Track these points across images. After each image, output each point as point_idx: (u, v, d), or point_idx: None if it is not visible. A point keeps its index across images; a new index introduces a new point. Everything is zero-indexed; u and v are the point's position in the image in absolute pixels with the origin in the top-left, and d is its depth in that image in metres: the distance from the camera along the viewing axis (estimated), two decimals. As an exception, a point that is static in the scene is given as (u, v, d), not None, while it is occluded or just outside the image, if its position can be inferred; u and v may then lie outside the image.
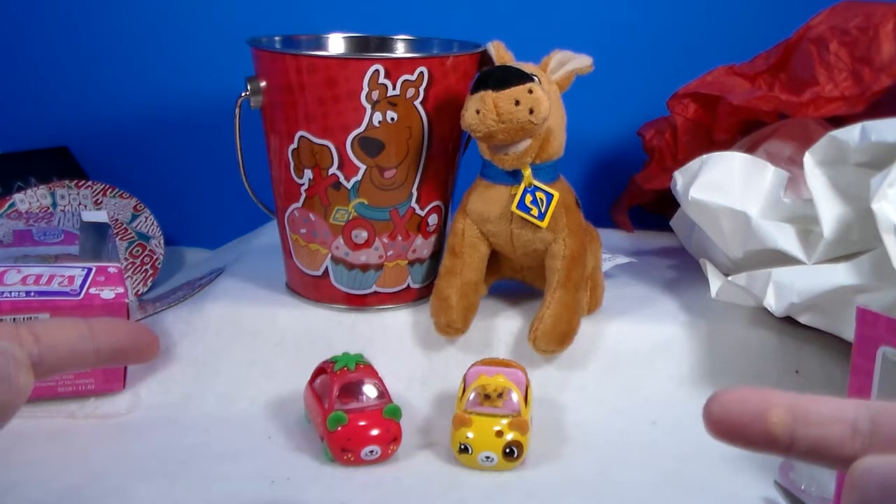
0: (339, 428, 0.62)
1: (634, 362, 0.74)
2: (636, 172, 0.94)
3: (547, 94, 0.68)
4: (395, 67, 0.70)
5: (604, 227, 0.84)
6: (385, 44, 0.82)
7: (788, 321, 0.73)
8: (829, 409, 0.29)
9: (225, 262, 0.89)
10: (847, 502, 0.27)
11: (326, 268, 0.76)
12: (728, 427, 0.29)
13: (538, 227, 0.71)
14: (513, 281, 0.80)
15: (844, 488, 0.28)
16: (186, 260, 1.01)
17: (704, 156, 0.77)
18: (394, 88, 0.70)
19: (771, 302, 0.71)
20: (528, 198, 0.71)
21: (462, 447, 0.63)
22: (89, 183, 0.92)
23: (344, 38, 0.82)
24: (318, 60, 0.70)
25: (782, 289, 0.70)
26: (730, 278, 0.76)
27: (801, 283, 0.69)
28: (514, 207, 0.71)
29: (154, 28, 1.01)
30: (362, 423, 0.63)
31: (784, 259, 0.71)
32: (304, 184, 0.74)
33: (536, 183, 0.71)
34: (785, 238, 0.71)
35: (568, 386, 0.73)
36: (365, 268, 0.76)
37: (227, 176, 0.83)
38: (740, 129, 0.89)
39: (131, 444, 0.66)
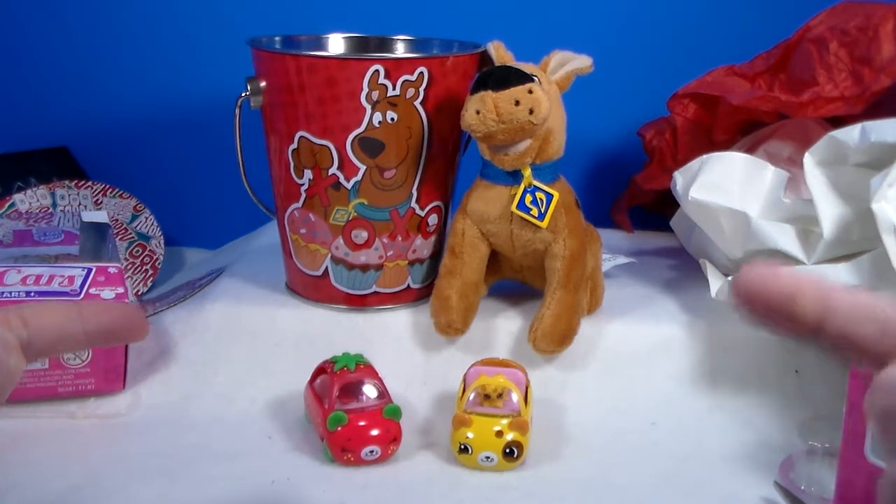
0: (339, 428, 0.62)
1: (634, 362, 0.74)
2: (636, 172, 0.94)
3: (547, 94, 0.68)
4: (395, 68, 0.70)
5: (604, 227, 0.84)
6: (385, 44, 0.82)
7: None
8: (860, 305, 0.28)
9: (225, 263, 0.89)
10: (872, 404, 0.27)
11: (326, 268, 0.76)
12: (756, 300, 0.29)
13: (538, 227, 0.71)
14: (513, 281, 0.80)
15: (871, 390, 0.27)
16: (186, 260, 1.01)
17: (704, 156, 0.77)
18: (394, 89, 0.70)
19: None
20: (528, 198, 0.71)
21: (462, 447, 0.63)
22: (89, 183, 0.92)
23: (344, 38, 0.82)
24: (318, 60, 0.70)
25: (782, 289, 0.70)
26: (730, 278, 0.76)
27: (801, 283, 0.69)
28: (514, 208, 0.71)
29: (154, 28, 1.01)
30: (362, 424, 0.63)
31: (784, 259, 0.71)
32: (304, 184, 0.74)
33: (536, 183, 0.71)
34: (785, 238, 0.71)
35: (568, 386, 0.73)
36: (365, 268, 0.76)
37: (227, 176, 0.83)
38: (740, 129, 0.89)
39: (131, 444, 0.66)
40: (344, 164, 0.72)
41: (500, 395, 0.64)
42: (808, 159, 0.69)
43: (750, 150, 0.85)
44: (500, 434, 0.62)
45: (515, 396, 0.64)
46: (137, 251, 0.92)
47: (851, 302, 0.29)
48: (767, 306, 0.29)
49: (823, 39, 0.79)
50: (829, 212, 0.68)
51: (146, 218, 0.93)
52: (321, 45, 0.82)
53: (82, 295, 0.68)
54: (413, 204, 0.75)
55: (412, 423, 0.68)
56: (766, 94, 0.82)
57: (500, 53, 0.74)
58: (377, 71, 0.69)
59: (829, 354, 0.29)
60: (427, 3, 0.99)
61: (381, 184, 0.73)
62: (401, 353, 0.75)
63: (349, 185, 0.73)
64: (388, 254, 0.76)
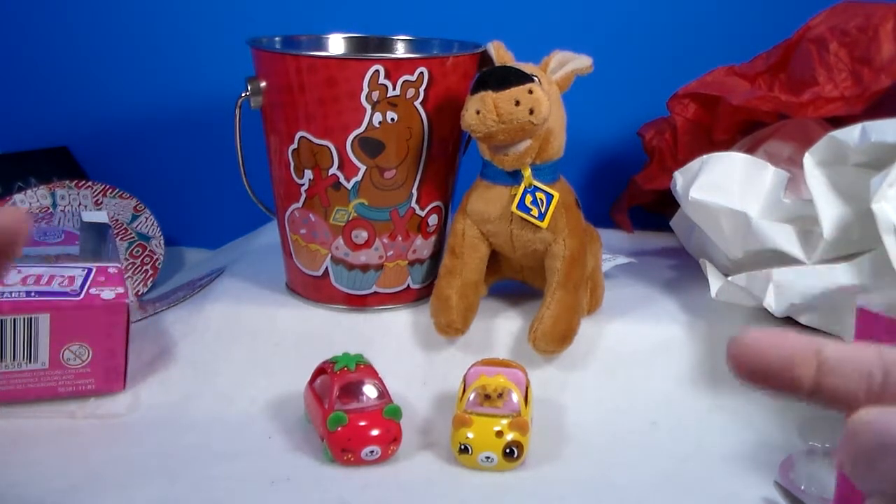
0: (340, 428, 0.62)
1: (634, 362, 0.74)
2: (636, 172, 0.94)
3: (547, 94, 0.68)
4: (395, 68, 0.70)
5: (604, 228, 0.84)
6: (385, 44, 0.82)
7: (788, 321, 0.73)
8: (849, 357, 0.28)
9: (225, 263, 0.89)
10: (843, 452, 0.27)
11: (326, 268, 0.76)
12: (755, 374, 0.29)
13: (538, 227, 0.71)
14: (513, 281, 0.80)
15: (843, 437, 0.27)
16: (186, 260, 1.01)
17: (704, 156, 0.76)
18: (394, 89, 0.70)
19: (771, 302, 0.71)
20: (528, 198, 0.71)
21: (462, 447, 0.63)
22: (89, 183, 0.92)
23: (344, 38, 0.82)
24: (318, 61, 0.70)
25: (782, 289, 0.70)
26: (730, 278, 0.76)
27: (801, 283, 0.69)
28: (514, 208, 0.71)
29: (154, 28, 1.01)
30: (362, 424, 0.63)
31: (784, 259, 0.71)
32: (304, 184, 0.74)
33: (536, 183, 0.71)
34: (785, 238, 0.71)
35: (568, 386, 0.73)
36: (365, 268, 0.76)
37: (227, 176, 0.83)
38: (740, 129, 0.89)
39: (131, 444, 0.66)
40: (344, 165, 0.72)
41: (500, 396, 0.64)
42: (808, 159, 0.69)
43: (750, 150, 0.85)
44: (500, 434, 0.62)
45: (515, 396, 0.64)
46: (137, 251, 0.92)
47: (842, 354, 0.29)
48: (766, 376, 0.29)
49: (823, 39, 0.79)
50: (829, 212, 0.68)
51: (146, 218, 0.93)
52: (321, 45, 0.82)
53: (82, 295, 0.68)
54: (413, 204, 0.75)
55: (412, 423, 0.68)
56: (766, 94, 0.82)
57: (500, 53, 0.74)
58: (377, 71, 0.69)
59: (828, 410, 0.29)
60: (427, 3, 0.99)
61: (382, 184, 0.73)
62: (401, 353, 0.75)
63: (349, 186, 0.73)
64: (389, 254, 0.76)
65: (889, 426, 0.26)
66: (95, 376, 0.69)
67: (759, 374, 0.29)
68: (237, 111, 0.75)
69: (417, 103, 0.71)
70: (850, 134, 0.67)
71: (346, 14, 0.99)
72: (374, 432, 0.63)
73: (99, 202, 0.92)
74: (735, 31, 0.99)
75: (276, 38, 0.79)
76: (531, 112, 0.66)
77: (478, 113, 0.67)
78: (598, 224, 0.81)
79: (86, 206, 0.91)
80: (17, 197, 0.89)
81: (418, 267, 0.78)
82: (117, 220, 0.91)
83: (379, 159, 0.72)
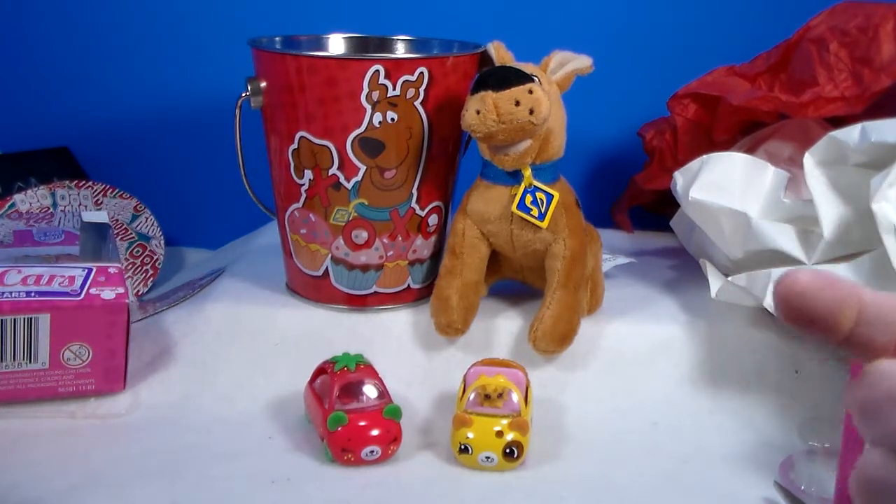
0: (340, 428, 0.62)
1: (634, 362, 0.74)
2: (636, 173, 0.94)
3: (547, 94, 0.68)
4: (396, 68, 0.70)
5: (604, 228, 0.84)
6: (385, 44, 0.82)
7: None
8: (887, 309, 0.29)
9: (225, 263, 0.89)
10: (853, 396, 0.27)
11: (327, 268, 0.76)
12: (801, 316, 0.29)
13: (538, 227, 0.71)
14: (513, 281, 0.80)
15: (857, 381, 0.27)
16: (187, 260, 1.01)
17: (704, 156, 0.77)
18: (394, 89, 0.70)
19: (771, 302, 0.71)
20: (529, 198, 0.71)
21: (462, 447, 0.63)
22: (89, 183, 0.92)
23: (344, 38, 0.82)
24: (318, 61, 0.70)
25: (782, 289, 0.70)
26: (730, 278, 0.76)
27: (801, 283, 0.69)
28: (514, 208, 0.71)
29: (154, 28, 1.01)
30: (362, 424, 0.63)
31: (784, 259, 0.71)
32: (304, 184, 0.74)
33: (537, 183, 0.71)
34: (785, 238, 0.71)
35: (568, 386, 0.73)
36: (365, 268, 0.76)
37: (227, 176, 0.83)
38: (740, 129, 0.89)
39: (131, 444, 0.66)
40: (344, 165, 0.72)
41: (500, 396, 0.64)
42: (809, 159, 0.69)
43: (750, 150, 0.85)
44: (500, 434, 0.62)
45: (516, 396, 0.64)
46: (138, 251, 0.92)
47: (876, 307, 0.29)
48: (812, 320, 0.29)
49: (823, 39, 0.79)
50: (830, 212, 0.68)
51: (146, 218, 0.93)
52: (321, 45, 0.82)
53: (82, 295, 0.68)
54: (413, 204, 0.75)
55: (412, 423, 0.68)
56: (767, 94, 0.82)
57: (500, 53, 0.74)
58: (377, 71, 0.69)
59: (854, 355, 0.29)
60: (427, 3, 0.99)
61: (382, 184, 0.73)
62: (401, 353, 0.75)
63: (349, 186, 0.73)
64: (389, 254, 0.76)
65: None
66: (95, 376, 0.69)
67: (805, 319, 0.29)
68: (237, 111, 0.75)
69: (417, 103, 0.71)
70: (850, 134, 0.67)
71: (346, 14, 0.99)
72: (374, 432, 0.63)
73: (99, 202, 0.92)
74: (735, 31, 0.99)
75: (277, 38, 0.80)
76: (531, 112, 0.66)
77: (478, 113, 0.67)
78: (598, 224, 0.81)
79: (86, 206, 0.91)
80: (18, 197, 0.89)
81: (418, 267, 0.78)
82: (117, 220, 0.91)
83: (379, 159, 0.72)
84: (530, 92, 0.66)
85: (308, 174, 0.73)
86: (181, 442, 0.66)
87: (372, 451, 0.63)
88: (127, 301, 0.68)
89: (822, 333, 0.29)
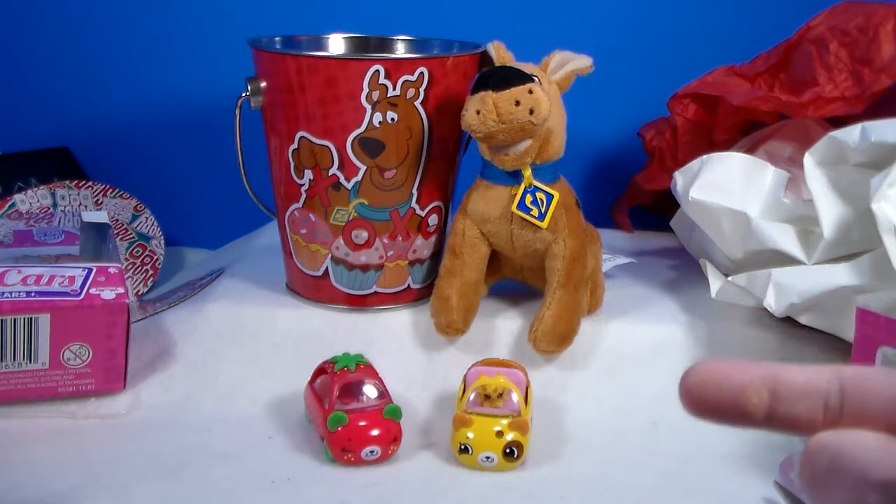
0: (340, 428, 0.62)
1: (634, 362, 0.74)
2: (636, 173, 0.94)
3: (547, 94, 0.68)
4: (396, 68, 0.70)
5: (604, 228, 0.84)
6: (385, 44, 0.82)
7: (788, 321, 0.73)
8: (803, 381, 0.28)
9: (225, 263, 0.89)
10: (802, 475, 0.27)
11: (327, 268, 0.76)
12: (705, 406, 0.29)
13: (538, 227, 0.71)
14: (513, 281, 0.80)
15: (801, 460, 0.27)
16: (187, 260, 1.01)
17: (704, 156, 0.77)
18: (394, 89, 0.70)
19: (771, 302, 0.71)
20: (529, 198, 0.71)
21: (462, 447, 0.63)
22: (89, 183, 0.92)
23: (344, 38, 0.82)
24: (318, 61, 0.70)
25: (782, 289, 0.70)
26: (730, 278, 0.76)
27: (802, 283, 0.69)
28: (514, 208, 0.71)
29: (154, 28, 1.01)
30: (362, 424, 0.63)
31: (784, 259, 0.71)
32: (304, 184, 0.74)
33: (537, 183, 0.71)
34: (785, 238, 0.71)
35: (568, 386, 0.73)
36: (365, 268, 0.76)
37: (227, 176, 0.83)
38: (740, 129, 0.89)
39: (131, 444, 0.66)
40: (344, 165, 0.72)
41: (500, 396, 0.64)
42: (809, 159, 0.69)
43: (750, 150, 0.85)
44: (500, 434, 0.62)
45: (516, 396, 0.64)
46: (138, 251, 0.92)
47: (795, 377, 0.28)
48: (716, 409, 0.29)
49: (823, 40, 0.79)
50: (830, 212, 0.68)
51: (146, 218, 0.93)
52: (321, 45, 0.82)
53: (82, 295, 0.68)
54: (413, 204, 0.75)
55: (412, 423, 0.68)
56: (767, 94, 0.82)
57: (500, 53, 0.74)
58: (377, 71, 0.69)
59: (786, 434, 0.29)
60: (427, 3, 0.99)
61: (382, 184, 0.73)
62: (401, 353, 0.75)
63: (349, 186, 0.73)
64: (389, 254, 0.76)
65: (842, 450, 0.26)
66: (96, 376, 0.69)
67: (709, 409, 0.29)
68: (237, 111, 0.75)
69: (417, 103, 0.71)
70: (850, 134, 0.67)
71: (346, 14, 0.99)
72: (375, 432, 0.63)
73: (99, 202, 0.92)
74: (735, 31, 0.99)
75: (277, 38, 0.79)
76: (531, 112, 0.66)
77: (478, 113, 0.67)
78: (598, 224, 0.81)
79: (86, 206, 0.91)
80: (18, 197, 0.89)
81: (418, 267, 0.78)
82: (117, 220, 0.91)
83: (379, 159, 0.72)
84: (530, 92, 0.66)
85: (308, 174, 0.73)
86: (181, 442, 0.66)
87: (372, 451, 0.63)
88: (127, 301, 0.68)
89: (734, 421, 0.29)
